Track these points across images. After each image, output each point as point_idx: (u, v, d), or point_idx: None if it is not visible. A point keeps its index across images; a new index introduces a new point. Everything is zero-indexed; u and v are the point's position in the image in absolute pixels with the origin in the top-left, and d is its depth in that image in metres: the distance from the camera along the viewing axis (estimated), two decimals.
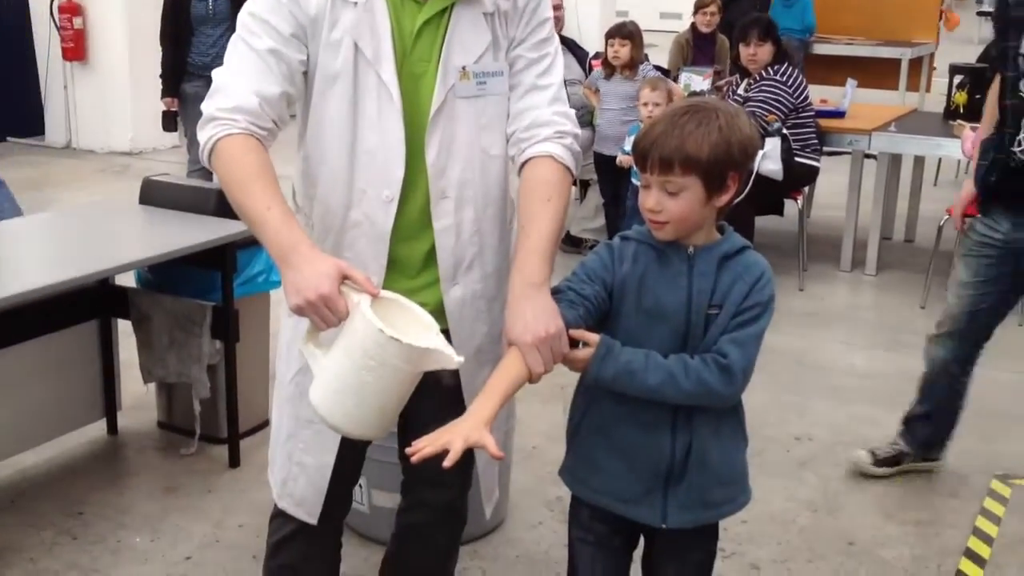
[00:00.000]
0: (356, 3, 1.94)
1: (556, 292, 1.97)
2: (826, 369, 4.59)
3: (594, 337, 1.94)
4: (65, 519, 3.26)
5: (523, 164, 2.06)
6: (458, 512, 2.31)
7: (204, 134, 1.94)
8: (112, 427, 3.83)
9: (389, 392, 1.82)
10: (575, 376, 2.02)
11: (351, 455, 2.19)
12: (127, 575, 2.99)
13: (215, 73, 1.98)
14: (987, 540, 3.26)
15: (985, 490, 3.55)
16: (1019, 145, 3.09)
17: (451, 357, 1.80)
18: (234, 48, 1.97)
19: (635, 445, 2.00)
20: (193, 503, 3.37)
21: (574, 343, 1.93)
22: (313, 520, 2.18)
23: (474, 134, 2.03)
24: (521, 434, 3.44)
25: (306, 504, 2.18)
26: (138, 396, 3.94)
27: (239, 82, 1.94)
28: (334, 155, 2.00)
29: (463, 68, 1.99)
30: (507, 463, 3.28)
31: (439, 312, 2.05)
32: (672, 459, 1.99)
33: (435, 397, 1.97)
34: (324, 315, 1.77)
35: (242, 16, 1.98)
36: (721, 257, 1.96)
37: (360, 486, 3.10)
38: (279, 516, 2.26)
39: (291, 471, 2.18)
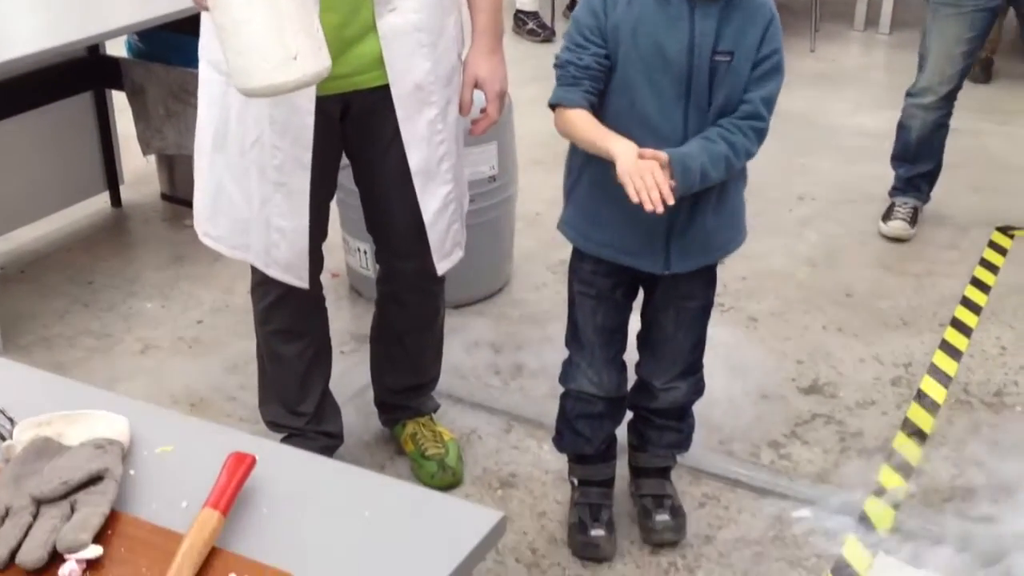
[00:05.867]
0: None
1: (558, 67, 1.92)
2: (834, 130, 4.53)
3: (662, 156, 1.84)
4: (75, 288, 3.33)
5: None
6: (430, 276, 2.29)
7: None
8: (116, 200, 3.85)
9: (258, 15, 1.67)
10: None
11: (318, 214, 2.20)
12: (140, 339, 3.07)
13: None
14: (984, 289, 3.30)
15: (985, 241, 3.58)
16: None
17: None
18: None
19: None
20: (201, 272, 3.41)
21: None
22: (304, 283, 2.20)
23: None
24: (524, 201, 3.45)
25: (293, 268, 2.19)
26: (140, 169, 3.94)
27: None
28: None
29: None
30: (510, 229, 3.32)
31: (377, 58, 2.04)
32: (677, 213, 1.96)
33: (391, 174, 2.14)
34: None
35: None
36: None
37: (364, 252, 3.14)
38: (261, 285, 2.29)
39: (271, 238, 2.16)
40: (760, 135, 1.91)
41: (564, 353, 2.25)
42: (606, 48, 1.90)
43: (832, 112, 4.73)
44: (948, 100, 3.51)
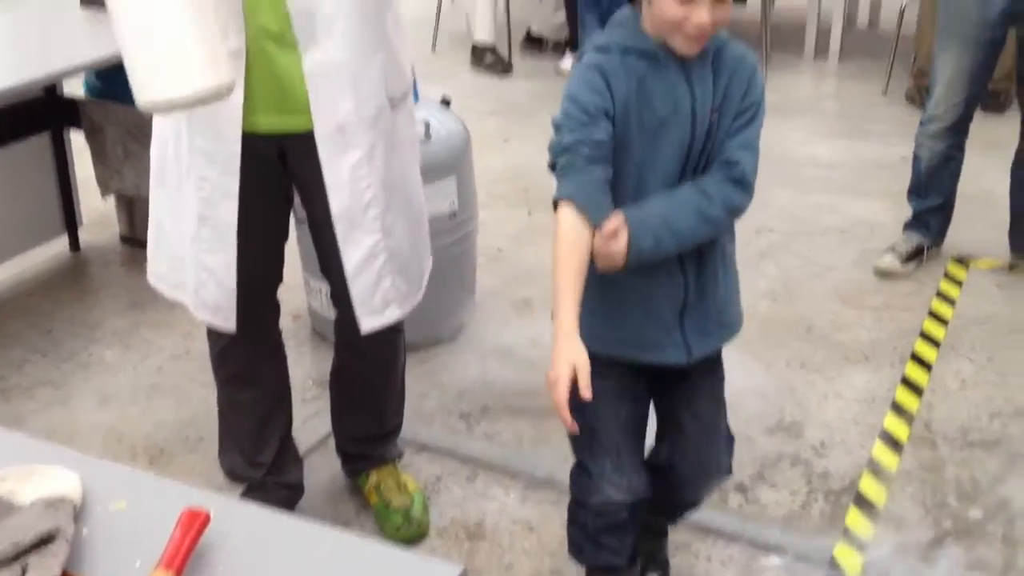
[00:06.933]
0: None
1: (564, 152, 1.75)
2: (787, 160, 4.57)
3: (615, 221, 1.74)
4: (34, 336, 3.28)
5: None
6: (390, 326, 2.22)
7: None
8: (74, 243, 3.81)
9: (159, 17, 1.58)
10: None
11: (269, 255, 2.17)
12: (98, 388, 3.03)
13: None
14: (942, 322, 3.34)
15: (942, 273, 3.62)
16: None
17: None
18: None
19: (648, 287, 1.86)
20: (162, 317, 3.37)
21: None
22: (230, 326, 2.13)
23: None
24: (486, 236, 3.45)
25: (221, 311, 2.12)
26: (99, 211, 3.91)
27: None
28: None
29: None
30: (472, 266, 3.31)
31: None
32: (687, 290, 1.87)
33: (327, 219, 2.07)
34: None
35: None
36: (713, 54, 1.79)
37: (325, 293, 3.11)
38: (214, 329, 2.22)
39: (199, 277, 2.11)
40: (737, 182, 1.79)
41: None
42: (612, 123, 1.76)
43: (785, 142, 4.77)
44: (956, 130, 3.48)
